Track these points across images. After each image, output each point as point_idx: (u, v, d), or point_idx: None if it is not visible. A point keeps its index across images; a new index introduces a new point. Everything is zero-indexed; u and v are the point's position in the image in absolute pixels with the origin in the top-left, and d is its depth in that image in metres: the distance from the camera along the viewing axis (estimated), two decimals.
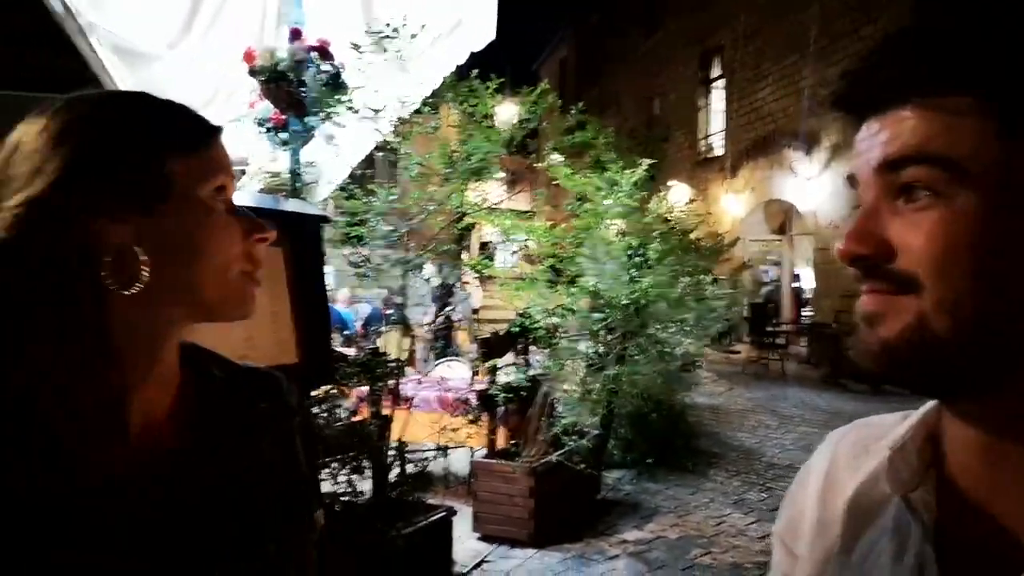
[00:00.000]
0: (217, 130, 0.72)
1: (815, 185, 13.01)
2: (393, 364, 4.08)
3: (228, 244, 0.69)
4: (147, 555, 0.65)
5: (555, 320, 4.84)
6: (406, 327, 4.48)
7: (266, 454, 0.77)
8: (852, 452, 0.69)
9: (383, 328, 7.06)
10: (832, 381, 11.45)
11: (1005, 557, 0.51)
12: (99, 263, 0.63)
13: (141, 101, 0.70)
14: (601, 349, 5.07)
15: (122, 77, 2.57)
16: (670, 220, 5.91)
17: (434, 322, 7.10)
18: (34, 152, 0.62)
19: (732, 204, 16.06)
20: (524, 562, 4.41)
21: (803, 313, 15.63)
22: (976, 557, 0.53)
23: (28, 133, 0.64)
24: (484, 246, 15.08)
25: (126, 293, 0.63)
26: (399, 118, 3.13)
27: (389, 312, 6.39)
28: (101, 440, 0.64)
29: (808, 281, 15.51)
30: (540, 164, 5.09)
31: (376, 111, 2.98)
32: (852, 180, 0.56)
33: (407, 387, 4.36)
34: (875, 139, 0.52)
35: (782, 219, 15.84)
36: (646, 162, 5.11)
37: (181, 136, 0.69)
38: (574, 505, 5.10)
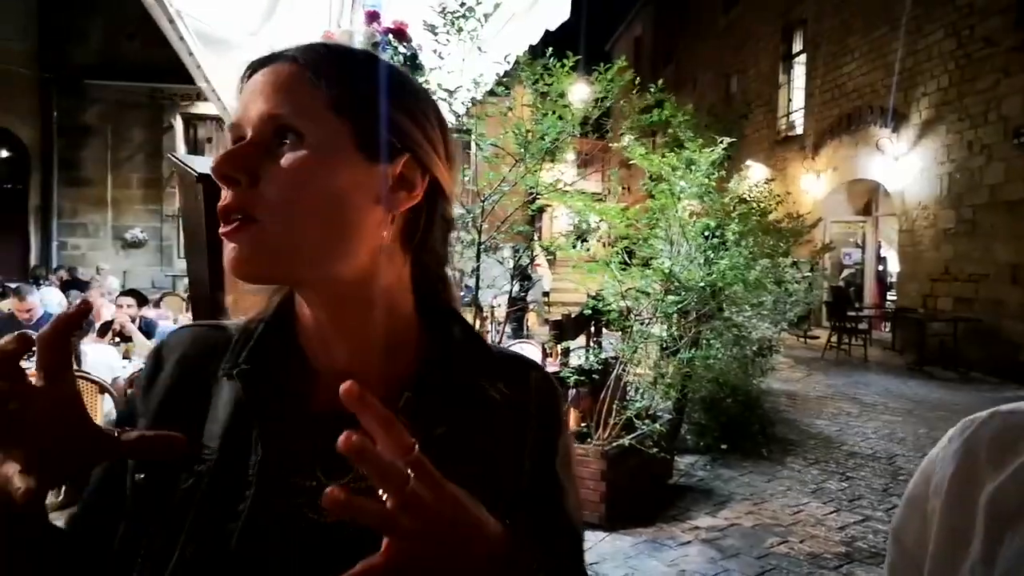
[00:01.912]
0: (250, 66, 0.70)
1: (903, 164, 12.45)
2: None
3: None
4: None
5: (628, 303, 4.78)
6: (479, 309, 4.50)
7: (471, 437, 0.71)
8: (996, 445, 0.61)
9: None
10: (917, 368, 11.00)
11: None
12: None
13: None
14: (675, 332, 4.98)
15: (210, 64, 2.65)
16: (748, 200, 5.76)
17: (512, 304, 7.13)
18: None
19: (812, 184, 15.52)
20: (595, 545, 4.40)
21: (887, 297, 15.03)
22: None
23: None
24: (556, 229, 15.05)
25: None
26: (473, 98, 3.12)
27: (462, 294, 6.43)
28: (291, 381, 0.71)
29: (893, 264, 14.90)
30: (615, 144, 5.02)
31: (451, 92, 2.99)
32: None
33: None
34: None
35: (867, 199, 15.23)
36: (725, 140, 4.98)
37: None
38: (646, 489, 5.06)
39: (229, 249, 0.65)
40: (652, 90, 3.96)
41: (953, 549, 0.59)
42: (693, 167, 4.83)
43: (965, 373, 10.44)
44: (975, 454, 0.61)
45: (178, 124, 14.80)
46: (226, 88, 2.67)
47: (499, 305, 8.94)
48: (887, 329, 13.45)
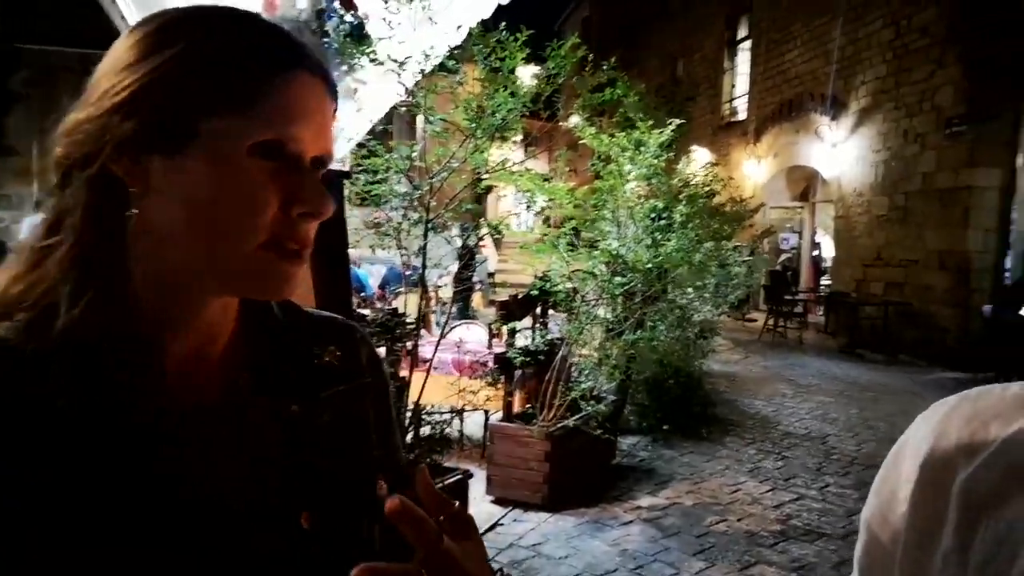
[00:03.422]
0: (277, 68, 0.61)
1: (840, 151, 12.77)
2: (412, 325, 4.04)
3: (249, 210, 0.60)
4: (209, 499, 0.62)
5: (575, 284, 4.77)
6: (424, 289, 4.43)
7: (324, 407, 0.71)
8: (966, 429, 0.59)
9: (400, 289, 7.02)
10: (849, 351, 11.38)
11: None
12: (125, 198, 0.60)
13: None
14: (621, 314, 5.01)
15: None
16: (695, 183, 5.80)
17: (457, 283, 7.06)
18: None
19: (754, 170, 15.82)
20: (538, 525, 4.41)
21: (822, 282, 15.48)
22: None
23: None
24: (501, 209, 15.01)
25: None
26: (423, 71, 3.03)
27: (408, 273, 6.36)
28: (140, 379, 0.61)
29: (828, 249, 15.33)
30: (564, 123, 4.98)
31: (400, 63, 2.89)
32: None
33: (425, 349, 4.32)
34: None
35: (805, 186, 15.60)
36: (675, 122, 4.99)
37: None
38: (589, 470, 5.10)
39: (284, 273, 0.63)
40: (605, 67, 3.92)
41: (926, 536, 0.58)
42: (642, 148, 4.83)
43: (895, 356, 10.84)
44: (946, 441, 0.60)
45: None
46: None
47: (444, 285, 8.88)
48: (821, 313, 13.86)
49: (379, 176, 3.49)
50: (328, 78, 0.64)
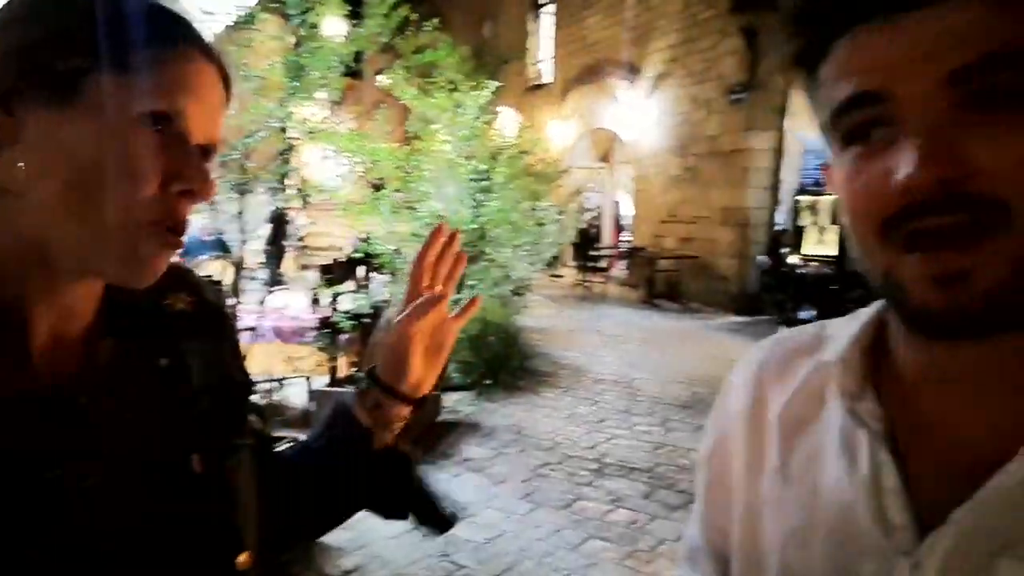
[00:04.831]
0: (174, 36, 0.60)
1: (637, 114, 13.58)
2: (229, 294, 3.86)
3: (130, 179, 0.57)
4: (67, 467, 0.59)
5: (398, 245, 4.77)
6: (230, 255, 4.22)
7: (189, 354, 0.71)
8: (777, 368, 0.68)
9: (204, 256, 6.62)
10: (649, 302, 12.31)
11: (966, 471, 0.51)
12: None
13: None
14: None
15: None
16: (513, 144, 5.96)
17: (270, 248, 6.75)
18: None
19: (560, 131, 16.42)
20: None
21: (623, 239, 16.52)
22: (933, 467, 0.54)
23: None
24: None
25: None
26: (236, 22, 2.86)
27: (211, 238, 5.98)
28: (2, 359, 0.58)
29: (628, 208, 16.36)
30: (385, 83, 4.89)
31: (209, 13, 2.71)
32: (873, 97, 0.48)
33: (245, 318, 4.14)
34: (929, 44, 0.45)
35: (606, 147, 16.45)
36: (493, 84, 5.08)
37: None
38: (416, 427, 5.16)
39: (154, 257, 0.60)
40: (428, 28, 3.90)
41: (755, 461, 0.66)
42: (460, 109, 4.87)
43: (687, 304, 11.89)
44: (762, 379, 0.69)
45: None
46: None
47: (255, 250, 8.46)
48: (624, 267, 14.83)
49: None
50: (223, 69, 0.64)
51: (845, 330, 0.62)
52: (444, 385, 5.98)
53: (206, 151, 0.63)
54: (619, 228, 16.89)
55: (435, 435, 5.33)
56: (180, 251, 0.67)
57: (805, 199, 10.71)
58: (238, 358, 0.82)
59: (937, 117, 0.45)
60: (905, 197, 0.46)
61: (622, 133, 14.41)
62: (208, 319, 0.76)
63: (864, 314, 0.62)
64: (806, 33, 0.52)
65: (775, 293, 10.04)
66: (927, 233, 0.46)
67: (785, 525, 0.61)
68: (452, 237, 0.91)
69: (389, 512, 0.90)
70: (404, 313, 0.86)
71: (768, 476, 0.64)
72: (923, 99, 0.45)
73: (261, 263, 6.93)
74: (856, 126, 0.49)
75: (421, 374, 0.88)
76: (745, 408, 0.69)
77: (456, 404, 6.12)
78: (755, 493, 0.65)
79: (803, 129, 10.82)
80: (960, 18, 0.44)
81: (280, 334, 4.89)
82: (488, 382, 6.41)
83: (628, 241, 15.59)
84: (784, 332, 0.73)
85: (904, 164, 0.45)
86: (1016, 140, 0.43)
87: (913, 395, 0.56)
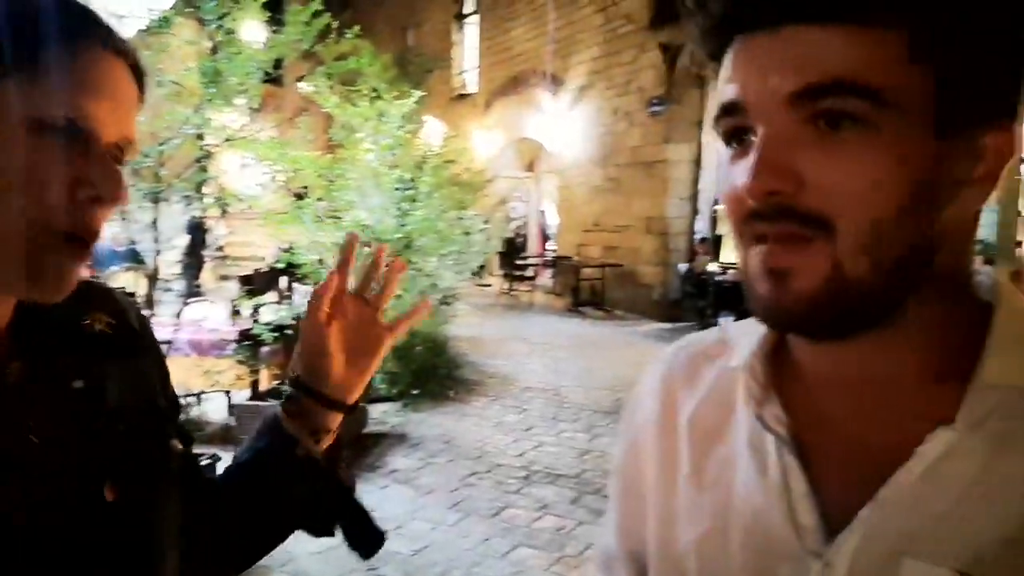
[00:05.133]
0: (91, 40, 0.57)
1: (561, 125, 13.76)
2: (144, 307, 3.72)
3: (28, 188, 0.54)
4: None
5: (322, 255, 4.69)
6: (143, 266, 4.07)
7: (106, 375, 0.68)
8: (684, 374, 0.69)
9: (115, 268, 6.36)
10: (574, 309, 12.46)
11: (869, 471, 0.52)
12: None
13: None
14: None
15: None
16: (438, 154, 5.95)
17: (188, 259, 6.54)
18: None
19: (485, 141, 16.48)
20: None
21: (548, 247, 16.68)
22: (838, 469, 0.55)
23: None
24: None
25: None
26: (149, 27, 2.77)
27: (123, 249, 5.76)
28: None
29: (553, 217, 16.53)
30: (302, 90, 4.82)
31: (119, 17, 2.61)
32: (733, 108, 0.50)
33: (159, 332, 3.99)
34: (781, 62, 0.47)
35: (532, 157, 16.60)
36: (417, 93, 5.06)
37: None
38: (345, 440, 5.08)
39: (62, 268, 0.58)
40: (349, 36, 3.86)
41: (668, 467, 0.66)
42: (383, 118, 4.84)
43: (611, 312, 12.10)
44: (670, 386, 0.69)
45: None
46: None
47: (171, 261, 8.17)
48: (549, 276, 14.97)
49: None
50: (135, 64, 0.61)
51: (748, 335, 0.63)
52: (370, 396, 5.90)
53: (119, 150, 0.60)
54: (545, 237, 17.05)
55: (361, 447, 5.25)
56: (90, 262, 0.64)
57: (723, 208, 11.05)
58: (166, 381, 0.79)
59: (779, 132, 0.47)
60: (744, 204, 0.49)
61: (547, 143, 14.58)
62: (130, 340, 0.73)
63: None
64: (702, 40, 0.54)
65: (695, 300, 10.32)
66: (763, 235, 0.50)
67: (701, 531, 0.61)
68: (378, 255, 0.89)
69: (317, 528, 0.86)
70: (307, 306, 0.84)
71: (681, 483, 0.64)
72: (767, 114, 0.48)
73: (177, 274, 6.71)
74: (730, 130, 0.52)
75: (344, 375, 0.84)
76: (655, 415, 0.69)
77: (383, 415, 6.04)
78: (669, 500, 0.65)
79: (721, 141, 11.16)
80: (815, 40, 0.46)
81: (198, 347, 4.74)
82: (415, 392, 6.36)
83: (554, 250, 15.74)
84: (687, 337, 0.74)
85: (742, 174, 0.48)
86: (849, 161, 0.46)
87: (813, 398, 0.57)
